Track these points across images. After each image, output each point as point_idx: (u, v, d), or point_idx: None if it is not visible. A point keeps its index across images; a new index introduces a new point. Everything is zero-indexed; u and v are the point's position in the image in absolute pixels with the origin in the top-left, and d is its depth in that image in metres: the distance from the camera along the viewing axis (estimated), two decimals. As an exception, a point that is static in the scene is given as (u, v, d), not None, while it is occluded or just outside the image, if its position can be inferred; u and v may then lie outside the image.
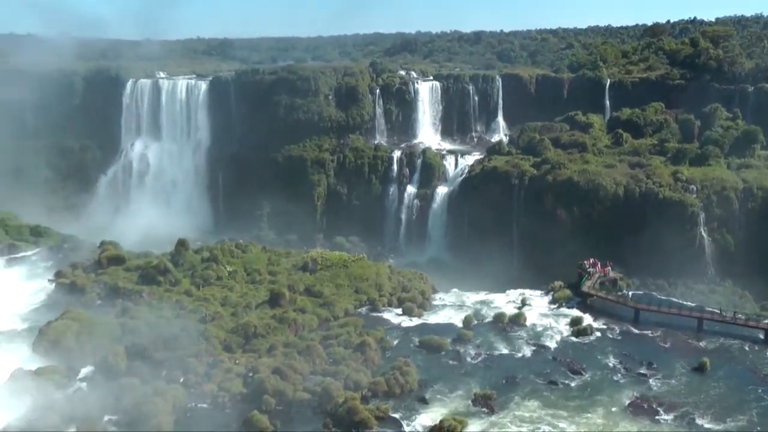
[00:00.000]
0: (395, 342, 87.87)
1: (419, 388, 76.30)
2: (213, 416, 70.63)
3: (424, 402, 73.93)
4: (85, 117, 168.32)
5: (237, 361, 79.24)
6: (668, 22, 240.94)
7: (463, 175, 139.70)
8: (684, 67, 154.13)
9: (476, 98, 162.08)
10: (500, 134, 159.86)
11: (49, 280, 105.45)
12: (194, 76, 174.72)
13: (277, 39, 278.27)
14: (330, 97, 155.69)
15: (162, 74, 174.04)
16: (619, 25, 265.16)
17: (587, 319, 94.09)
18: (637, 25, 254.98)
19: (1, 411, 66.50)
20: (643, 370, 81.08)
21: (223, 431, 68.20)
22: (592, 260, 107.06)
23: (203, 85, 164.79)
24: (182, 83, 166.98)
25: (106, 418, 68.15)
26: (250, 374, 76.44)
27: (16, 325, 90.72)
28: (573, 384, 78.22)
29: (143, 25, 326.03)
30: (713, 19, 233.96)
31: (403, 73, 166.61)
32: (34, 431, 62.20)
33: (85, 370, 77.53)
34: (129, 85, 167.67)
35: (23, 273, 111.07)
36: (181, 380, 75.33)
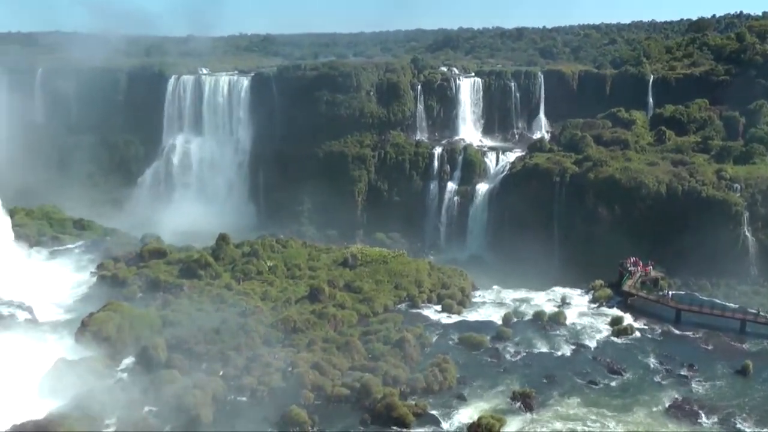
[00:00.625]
0: (434, 338, 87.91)
1: (458, 385, 76.27)
2: (252, 409, 71.17)
3: (462, 399, 73.85)
4: (128, 113, 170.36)
5: (276, 356, 79.56)
6: (713, 16, 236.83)
7: (504, 172, 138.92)
8: (729, 63, 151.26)
9: (518, 95, 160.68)
10: (542, 131, 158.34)
11: (91, 273, 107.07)
12: (236, 72, 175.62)
13: (319, 35, 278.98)
14: (371, 93, 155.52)
15: (204, 71, 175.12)
16: (663, 20, 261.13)
17: (628, 319, 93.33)
18: (681, 20, 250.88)
19: (45, 399, 67.59)
20: (684, 372, 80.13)
21: (261, 425, 68.59)
22: (633, 259, 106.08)
23: (245, 81, 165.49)
24: (224, 79, 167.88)
25: (146, 408, 68.94)
26: (289, 369, 76.85)
27: (59, 315, 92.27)
28: (613, 384, 77.63)
29: (189, 22, 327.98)
30: (760, 13, 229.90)
31: (444, 69, 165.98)
32: (75, 420, 62.81)
33: (126, 361, 78.61)
34: (172, 81, 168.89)
35: (67, 265, 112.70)
36: (221, 373, 76.04)
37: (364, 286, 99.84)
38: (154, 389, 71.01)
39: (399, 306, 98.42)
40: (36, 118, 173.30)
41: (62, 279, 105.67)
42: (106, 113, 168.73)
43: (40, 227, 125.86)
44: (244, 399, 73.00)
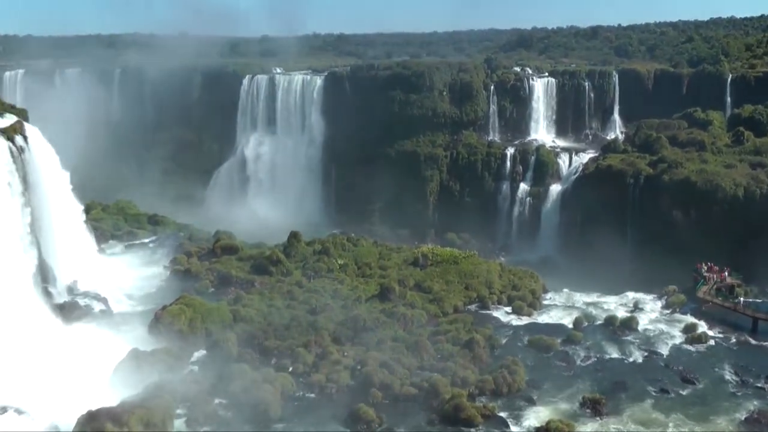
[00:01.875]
0: (504, 340, 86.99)
1: (527, 388, 75.34)
2: (320, 406, 71.35)
3: (531, 402, 72.94)
4: (203, 112, 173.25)
5: (345, 354, 79.68)
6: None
7: (577, 174, 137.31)
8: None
9: (592, 95, 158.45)
10: (616, 132, 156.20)
11: (164, 267, 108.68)
12: (310, 71, 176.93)
13: (392, 35, 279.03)
14: (444, 93, 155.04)
15: (279, 70, 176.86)
16: (743, 17, 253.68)
17: (702, 327, 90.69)
18: (762, 15, 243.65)
19: (117, 388, 68.82)
20: (761, 384, 76.96)
21: (329, 422, 68.87)
22: (708, 264, 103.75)
23: (318, 81, 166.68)
24: (298, 78, 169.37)
25: (216, 401, 69.68)
26: (358, 367, 76.83)
27: (133, 307, 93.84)
28: (685, 393, 75.40)
29: (276, 22, 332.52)
30: None
31: (518, 69, 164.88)
32: (147, 408, 63.83)
33: (197, 354, 79.54)
34: (246, 80, 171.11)
35: (141, 259, 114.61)
36: (290, 369, 76.45)
37: (435, 286, 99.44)
38: (224, 382, 71.66)
39: (469, 307, 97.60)
40: (114, 117, 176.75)
41: (136, 272, 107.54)
42: (182, 112, 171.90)
43: (116, 222, 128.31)
44: (312, 395, 73.28)
